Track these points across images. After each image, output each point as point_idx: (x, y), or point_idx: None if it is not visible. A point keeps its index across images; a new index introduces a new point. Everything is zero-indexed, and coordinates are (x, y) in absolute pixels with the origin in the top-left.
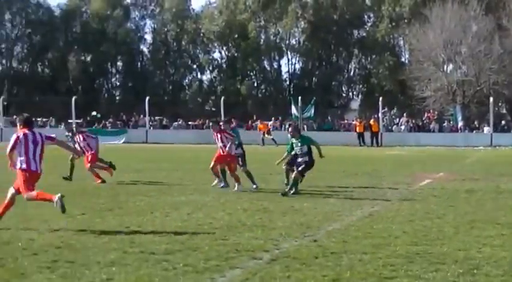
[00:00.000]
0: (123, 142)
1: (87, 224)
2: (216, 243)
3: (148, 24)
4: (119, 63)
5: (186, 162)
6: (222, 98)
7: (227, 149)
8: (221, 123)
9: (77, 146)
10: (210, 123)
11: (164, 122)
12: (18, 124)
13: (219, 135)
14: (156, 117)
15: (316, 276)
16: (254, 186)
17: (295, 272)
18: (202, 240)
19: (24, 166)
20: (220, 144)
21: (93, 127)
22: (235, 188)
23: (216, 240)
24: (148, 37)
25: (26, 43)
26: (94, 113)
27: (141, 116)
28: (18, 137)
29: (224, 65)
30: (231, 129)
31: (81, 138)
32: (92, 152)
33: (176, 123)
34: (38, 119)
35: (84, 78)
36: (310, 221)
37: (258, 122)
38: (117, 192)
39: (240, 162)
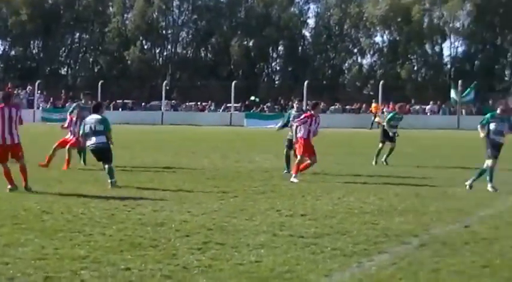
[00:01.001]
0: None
1: (240, 206)
2: (366, 227)
3: (312, 8)
4: (280, 48)
5: (339, 146)
6: (381, 82)
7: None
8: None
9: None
10: None
11: (321, 106)
12: None
13: None
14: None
15: (465, 262)
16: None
17: (444, 258)
18: (351, 224)
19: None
20: None
21: (251, 111)
22: None
23: (365, 225)
24: (311, 21)
25: (191, 29)
26: (253, 97)
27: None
28: None
29: (385, 49)
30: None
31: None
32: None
33: (333, 107)
34: (198, 103)
35: (245, 62)
36: (463, 206)
37: (373, 102)
38: (271, 176)
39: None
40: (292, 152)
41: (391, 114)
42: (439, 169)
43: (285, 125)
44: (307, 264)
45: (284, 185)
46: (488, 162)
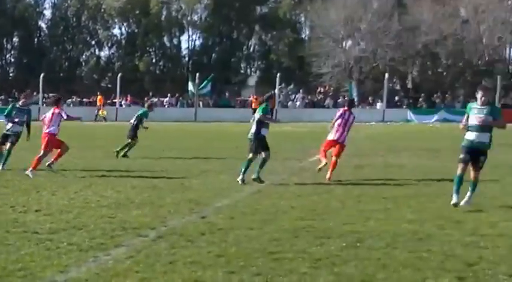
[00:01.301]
0: None
1: None
2: (103, 221)
3: None
4: (15, 39)
5: (76, 140)
6: (119, 75)
7: None
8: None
9: None
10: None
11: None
12: None
13: None
14: (50, 94)
15: (202, 253)
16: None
17: (180, 249)
18: (88, 218)
19: None
20: None
21: None
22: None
23: (102, 218)
24: (48, 13)
25: None
26: None
27: (35, 93)
28: None
29: (123, 41)
30: None
31: None
32: None
33: (70, 100)
34: None
35: None
36: (200, 197)
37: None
38: (4, 171)
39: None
40: (8, 146)
41: (142, 112)
42: (176, 161)
43: (9, 116)
44: (42, 260)
45: (18, 180)
46: (250, 156)
